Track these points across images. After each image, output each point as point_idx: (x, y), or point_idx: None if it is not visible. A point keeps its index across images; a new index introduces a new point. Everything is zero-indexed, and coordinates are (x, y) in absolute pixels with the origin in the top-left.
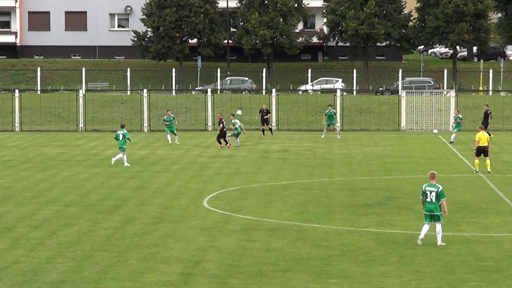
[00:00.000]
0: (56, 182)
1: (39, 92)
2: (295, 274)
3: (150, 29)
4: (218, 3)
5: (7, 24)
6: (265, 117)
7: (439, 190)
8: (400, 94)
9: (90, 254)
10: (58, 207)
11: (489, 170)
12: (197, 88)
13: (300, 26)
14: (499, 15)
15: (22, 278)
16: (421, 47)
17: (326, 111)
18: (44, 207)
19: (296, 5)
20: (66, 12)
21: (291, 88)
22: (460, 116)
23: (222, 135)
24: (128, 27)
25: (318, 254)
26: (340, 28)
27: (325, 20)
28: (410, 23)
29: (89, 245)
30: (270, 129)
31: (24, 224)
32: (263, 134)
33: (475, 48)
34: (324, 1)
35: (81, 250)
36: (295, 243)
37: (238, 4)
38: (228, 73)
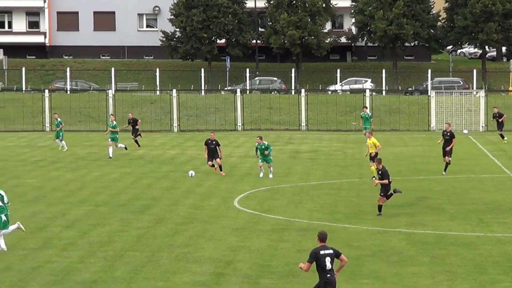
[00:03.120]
0: (87, 182)
1: (68, 92)
2: None
3: (178, 29)
4: (246, 3)
5: (36, 25)
6: (136, 127)
7: None
8: (429, 94)
9: (122, 254)
10: (89, 207)
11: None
12: (226, 88)
13: (328, 26)
14: None
15: (54, 277)
16: (450, 47)
17: (362, 113)
18: (75, 207)
19: (324, 5)
20: (94, 12)
21: (320, 88)
22: None
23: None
24: (156, 27)
25: (349, 255)
26: (368, 28)
27: (353, 20)
28: (439, 23)
29: (120, 245)
30: (136, 141)
31: (56, 224)
32: (138, 145)
33: (504, 48)
34: (352, 1)
35: (112, 250)
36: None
37: (266, 4)
38: (257, 73)
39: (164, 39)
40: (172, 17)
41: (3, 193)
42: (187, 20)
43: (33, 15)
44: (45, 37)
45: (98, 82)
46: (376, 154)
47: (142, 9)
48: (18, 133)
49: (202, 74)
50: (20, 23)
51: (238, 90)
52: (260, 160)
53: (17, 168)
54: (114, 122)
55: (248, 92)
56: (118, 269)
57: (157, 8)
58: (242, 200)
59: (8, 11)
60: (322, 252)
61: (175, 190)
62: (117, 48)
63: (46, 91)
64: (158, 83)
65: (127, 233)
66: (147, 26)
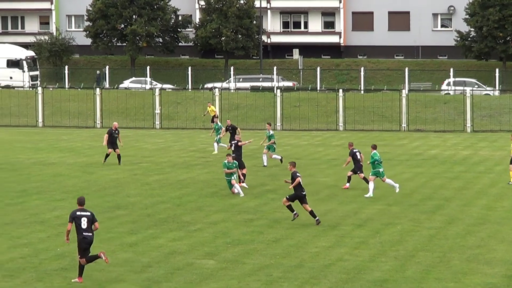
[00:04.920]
0: (380, 182)
1: (362, 91)
2: None
3: (473, 29)
4: None
5: (331, 25)
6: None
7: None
8: None
9: (413, 254)
10: (381, 206)
11: None
12: None
13: None
14: None
15: (346, 276)
16: None
17: None
18: (367, 205)
19: None
20: (389, 12)
21: None
22: None
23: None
24: (451, 27)
25: None
26: None
27: None
28: None
29: (411, 245)
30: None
31: (348, 222)
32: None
33: None
34: None
35: (403, 249)
36: None
37: None
38: None
39: (458, 38)
40: (467, 16)
41: None
42: (483, 19)
43: (328, 16)
44: (340, 37)
45: (391, 82)
46: None
47: (437, 9)
48: (312, 132)
49: (497, 74)
50: (315, 24)
51: None
52: None
53: (311, 166)
54: None
55: None
56: (409, 269)
57: (452, 8)
58: None
59: (305, 11)
60: (78, 213)
61: (467, 190)
62: (411, 48)
63: (340, 90)
64: (451, 83)
65: (418, 233)
66: (442, 26)
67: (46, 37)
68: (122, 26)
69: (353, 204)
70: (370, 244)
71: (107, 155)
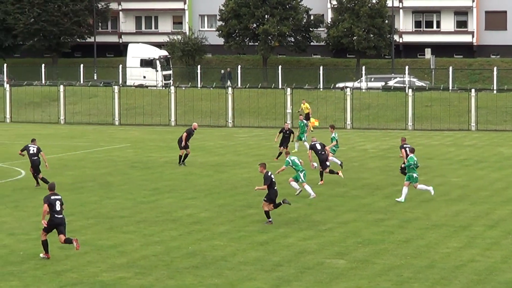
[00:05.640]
0: None
1: (495, 91)
2: None
3: None
4: None
5: (463, 24)
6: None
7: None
8: None
9: None
10: None
11: None
12: None
13: None
14: None
15: (477, 277)
16: None
17: None
18: (500, 206)
19: None
20: None
21: None
22: None
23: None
24: None
25: None
26: None
27: None
28: None
29: None
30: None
31: (479, 223)
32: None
33: None
34: None
35: None
36: None
37: None
38: None
39: None
40: None
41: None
42: None
43: (461, 15)
44: (472, 37)
45: None
46: None
47: None
48: (443, 132)
49: None
50: (448, 23)
51: None
52: None
53: (442, 166)
54: None
55: None
56: None
57: None
58: None
59: (437, 10)
60: (52, 197)
61: None
62: None
63: (473, 90)
64: None
65: None
66: None
67: (179, 37)
68: (254, 25)
69: (485, 204)
70: (502, 245)
71: (185, 156)
